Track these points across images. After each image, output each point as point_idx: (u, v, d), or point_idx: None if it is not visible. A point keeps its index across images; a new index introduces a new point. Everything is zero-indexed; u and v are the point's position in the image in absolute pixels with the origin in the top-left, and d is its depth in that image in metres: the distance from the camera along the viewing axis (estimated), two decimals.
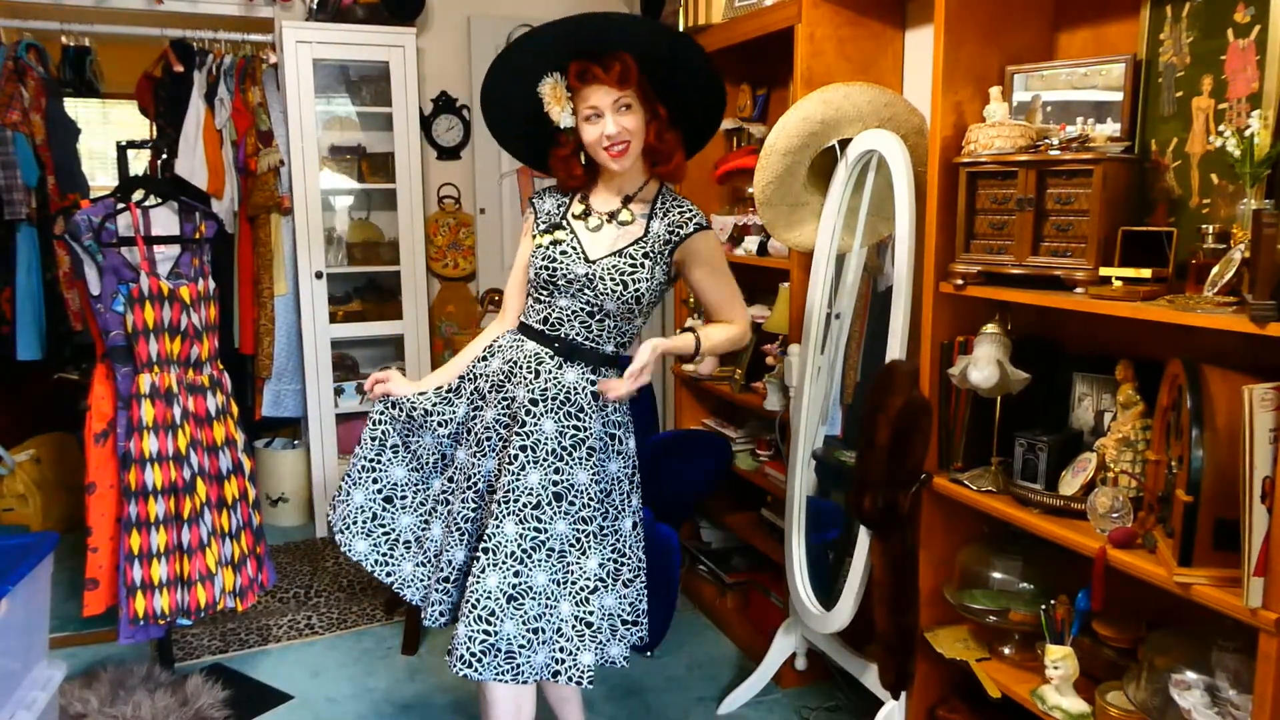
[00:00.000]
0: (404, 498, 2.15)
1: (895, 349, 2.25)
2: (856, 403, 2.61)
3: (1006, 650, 2.15)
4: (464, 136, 4.52)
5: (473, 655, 1.90)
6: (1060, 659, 1.91)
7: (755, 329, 3.19)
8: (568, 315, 2.05)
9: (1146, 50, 1.94)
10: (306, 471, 4.27)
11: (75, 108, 4.15)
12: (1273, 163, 1.64)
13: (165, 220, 2.78)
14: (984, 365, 2.00)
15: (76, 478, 3.45)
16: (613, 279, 2.00)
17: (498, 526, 1.95)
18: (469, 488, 2.06)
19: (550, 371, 2.03)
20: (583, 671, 2.00)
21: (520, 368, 2.05)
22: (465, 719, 2.73)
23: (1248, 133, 1.65)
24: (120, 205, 2.68)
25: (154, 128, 4.26)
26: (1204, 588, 1.59)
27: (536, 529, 1.96)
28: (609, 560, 2.09)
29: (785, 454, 2.79)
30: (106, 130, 6.27)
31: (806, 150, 2.47)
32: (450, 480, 2.14)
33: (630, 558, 2.11)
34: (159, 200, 2.79)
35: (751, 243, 3.13)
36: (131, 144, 2.91)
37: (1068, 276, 1.87)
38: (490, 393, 2.07)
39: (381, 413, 2.16)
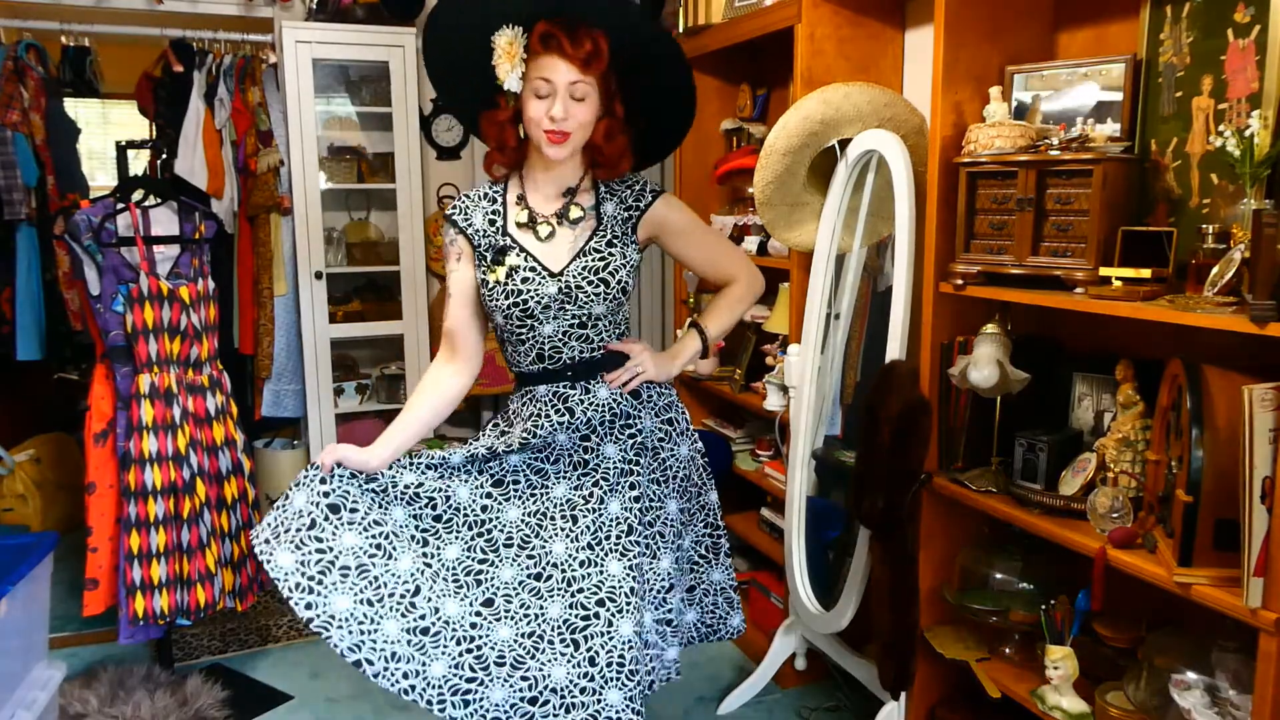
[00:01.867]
0: (355, 510, 1.77)
1: (895, 349, 2.25)
2: (856, 403, 2.61)
3: (1006, 650, 2.15)
4: (464, 136, 4.52)
5: (636, 714, 1.69)
6: (1060, 659, 1.91)
7: (755, 329, 3.20)
8: (560, 338, 1.84)
9: (1146, 50, 1.94)
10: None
11: (75, 108, 4.15)
12: (1273, 163, 1.64)
13: (165, 220, 2.78)
14: (984, 365, 2.00)
15: (76, 478, 3.46)
16: (590, 283, 1.81)
17: (602, 571, 1.75)
18: (480, 536, 1.81)
19: (581, 400, 1.84)
20: (669, 666, 1.95)
21: (545, 417, 1.83)
22: None
23: (1248, 133, 1.64)
24: (120, 205, 2.69)
25: (154, 128, 4.26)
26: (1204, 588, 1.59)
27: (640, 555, 1.81)
28: (704, 536, 2.03)
29: (785, 454, 2.79)
30: (106, 130, 6.27)
31: (806, 150, 2.47)
32: (434, 519, 1.82)
33: (724, 529, 2.07)
34: (159, 200, 2.79)
35: (751, 243, 3.12)
36: (131, 144, 2.91)
37: (1068, 276, 1.86)
38: (517, 447, 1.84)
39: (337, 472, 1.78)
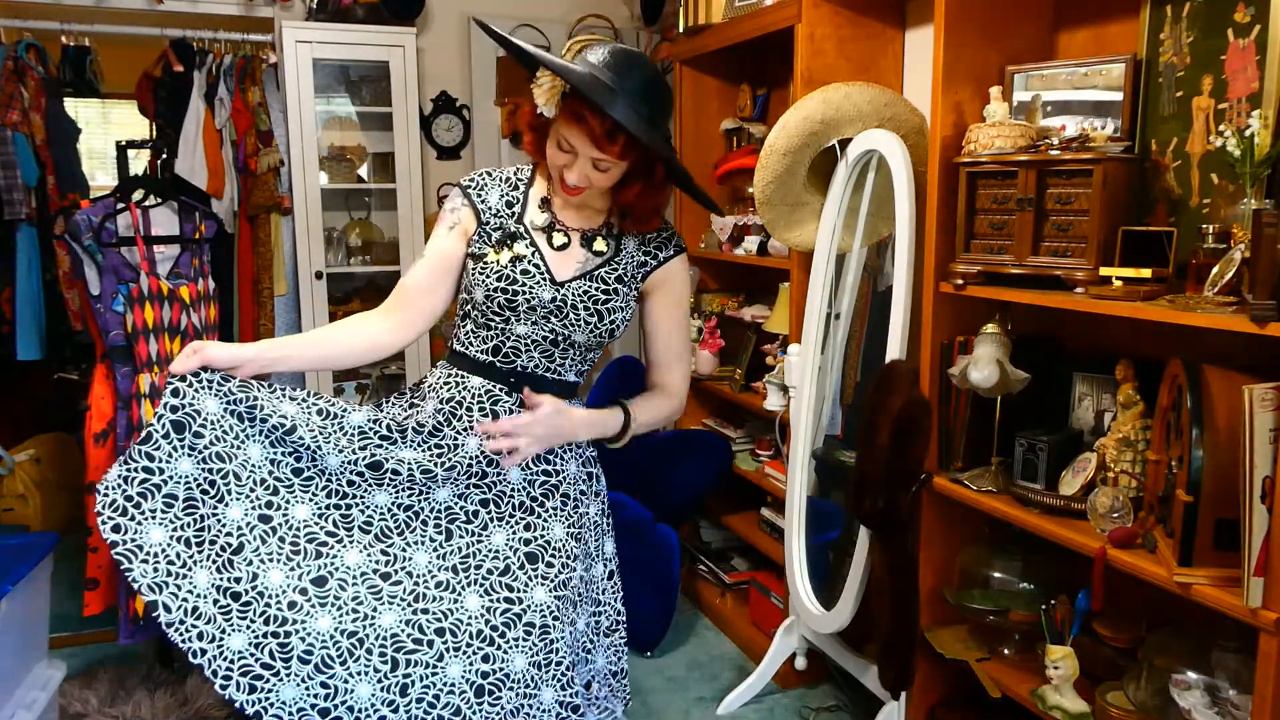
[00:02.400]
0: (200, 434, 1.54)
1: (895, 349, 2.25)
2: (856, 403, 2.61)
3: (1006, 650, 2.15)
4: (464, 136, 4.52)
5: None
6: (1060, 659, 1.91)
7: (755, 329, 3.20)
8: (525, 345, 1.69)
9: (1146, 50, 1.94)
10: None
11: (75, 108, 4.15)
12: (1273, 163, 1.64)
13: (165, 220, 2.78)
14: (984, 365, 2.00)
15: (76, 478, 3.45)
16: (586, 308, 1.68)
17: (456, 600, 1.58)
18: (337, 508, 1.62)
19: (509, 410, 1.69)
20: None
21: (464, 409, 1.68)
22: None
23: (1248, 133, 1.65)
24: (120, 205, 2.69)
25: (154, 128, 4.25)
26: (1204, 588, 1.59)
27: (509, 599, 1.60)
28: (591, 616, 1.77)
29: (785, 454, 2.79)
30: (106, 130, 6.27)
31: (807, 150, 2.47)
32: (294, 472, 1.61)
33: (608, 606, 1.82)
34: (159, 200, 2.79)
35: (751, 243, 3.13)
36: (131, 144, 2.91)
37: (1068, 276, 1.86)
38: (413, 434, 1.67)
39: (195, 384, 1.55)
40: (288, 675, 1.48)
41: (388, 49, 4.05)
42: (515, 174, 1.77)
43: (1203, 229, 1.72)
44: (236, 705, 1.47)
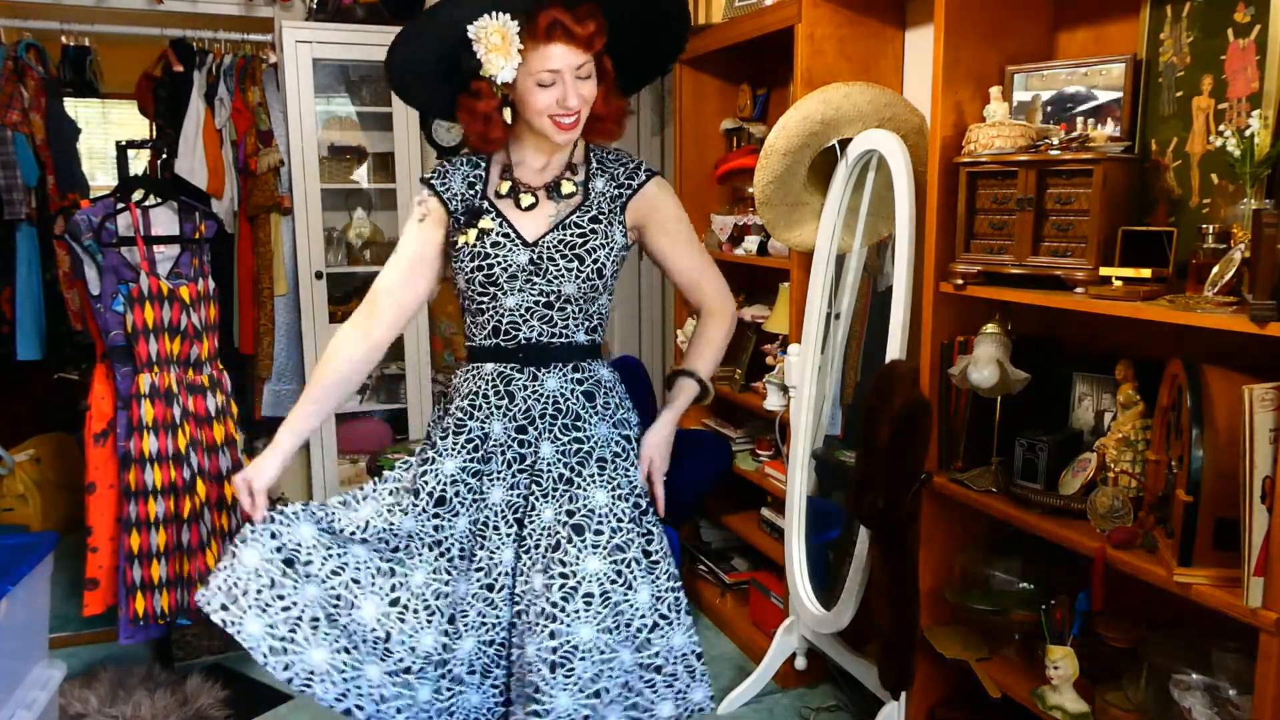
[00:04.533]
0: (310, 562, 1.66)
1: (895, 349, 2.25)
2: (856, 403, 2.61)
3: (1006, 650, 2.15)
4: (464, 136, 4.52)
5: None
6: (1060, 659, 1.91)
7: (755, 329, 3.20)
8: (521, 315, 1.69)
9: (1146, 50, 1.94)
10: (306, 472, 4.27)
11: (75, 107, 4.16)
12: (1273, 163, 1.64)
13: (165, 220, 2.78)
14: (984, 365, 2.00)
15: (76, 478, 3.45)
16: (564, 256, 1.67)
17: (526, 584, 1.67)
18: (442, 556, 1.71)
19: (525, 386, 1.70)
20: None
21: (481, 397, 1.71)
22: None
23: (1248, 133, 1.64)
24: (120, 205, 2.69)
25: (154, 127, 4.26)
26: (1204, 588, 1.59)
27: (563, 574, 1.63)
28: (666, 591, 1.71)
29: (785, 454, 2.79)
30: (106, 130, 6.27)
31: (806, 150, 2.46)
32: (392, 550, 1.71)
33: (681, 582, 1.78)
34: (159, 200, 2.79)
35: (751, 243, 3.13)
36: (131, 144, 2.91)
37: (1068, 276, 1.86)
38: (444, 440, 1.73)
39: (282, 521, 1.68)
40: (467, 688, 1.74)
41: (387, 49, 4.05)
42: (475, 155, 1.78)
43: (1203, 229, 1.72)
44: None
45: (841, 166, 2.47)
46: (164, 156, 3.96)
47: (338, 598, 1.65)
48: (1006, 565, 2.17)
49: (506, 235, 1.68)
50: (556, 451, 1.70)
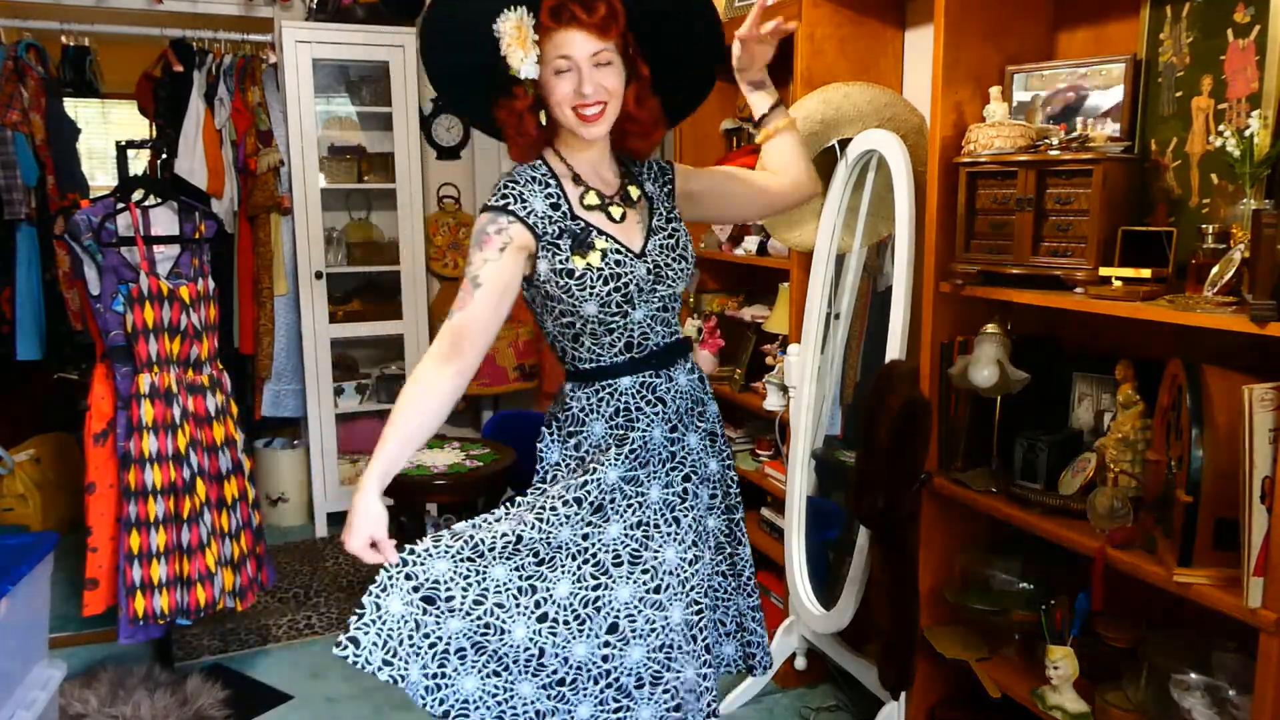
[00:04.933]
0: (451, 597, 1.60)
1: (895, 349, 2.25)
2: (856, 403, 2.61)
3: (1006, 650, 2.15)
4: (464, 136, 4.52)
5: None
6: (1060, 659, 1.91)
7: (755, 329, 3.20)
8: (647, 325, 1.69)
9: (1146, 50, 1.94)
10: (306, 471, 4.27)
11: (75, 108, 4.16)
12: (1272, 163, 1.64)
13: (165, 220, 2.78)
14: (984, 365, 2.00)
15: (76, 478, 3.45)
16: (673, 259, 1.70)
17: (702, 564, 1.76)
18: (587, 564, 1.67)
19: (668, 390, 1.72)
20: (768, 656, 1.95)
21: (636, 410, 1.70)
22: None
23: (1247, 133, 1.65)
24: (120, 205, 2.69)
25: (154, 128, 4.26)
26: (1204, 588, 1.59)
27: (725, 542, 1.84)
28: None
29: (785, 454, 2.79)
30: (106, 130, 6.28)
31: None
32: (537, 564, 1.65)
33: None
34: (159, 200, 2.79)
35: (751, 243, 3.13)
36: (131, 144, 2.91)
37: (1068, 276, 1.87)
38: (602, 453, 1.70)
39: (415, 560, 1.61)
40: (635, 703, 1.68)
41: (388, 49, 4.06)
42: (534, 171, 1.68)
43: (1202, 229, 1.72)
44: None
45: (841, 166, 2.48)
46: (164, 156, 3.96)
47: (486, 626, 1.61)
48: (1006, 565, 2.17)
49: (620, 253, 1.64)
50: (699, 439, 1.78)
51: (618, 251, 1.63)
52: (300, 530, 4.27)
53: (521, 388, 4.38)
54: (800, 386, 2.63)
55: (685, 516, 1.73)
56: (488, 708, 1.61)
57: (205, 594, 2.70)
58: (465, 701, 1.60)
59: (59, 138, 3.77)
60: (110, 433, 2.69)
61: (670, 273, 1.69)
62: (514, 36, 1.56)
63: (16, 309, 3.70)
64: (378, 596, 1.57)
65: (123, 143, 2.88)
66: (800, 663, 2.76)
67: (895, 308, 2.27)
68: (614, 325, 1.66)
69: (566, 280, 1.62)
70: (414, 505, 3.25)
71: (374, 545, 1.58)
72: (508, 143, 1.69)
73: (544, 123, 1.64)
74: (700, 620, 1.72)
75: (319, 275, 4.07)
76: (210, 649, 3.13)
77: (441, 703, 1.59)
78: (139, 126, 4.90)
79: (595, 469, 1.68)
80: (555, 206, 1.64)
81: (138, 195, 2.74)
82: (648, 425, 1.70)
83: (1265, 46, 1.70)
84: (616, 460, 1.68)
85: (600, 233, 1.64)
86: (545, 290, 1.66)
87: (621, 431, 1.69)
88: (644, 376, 1.70)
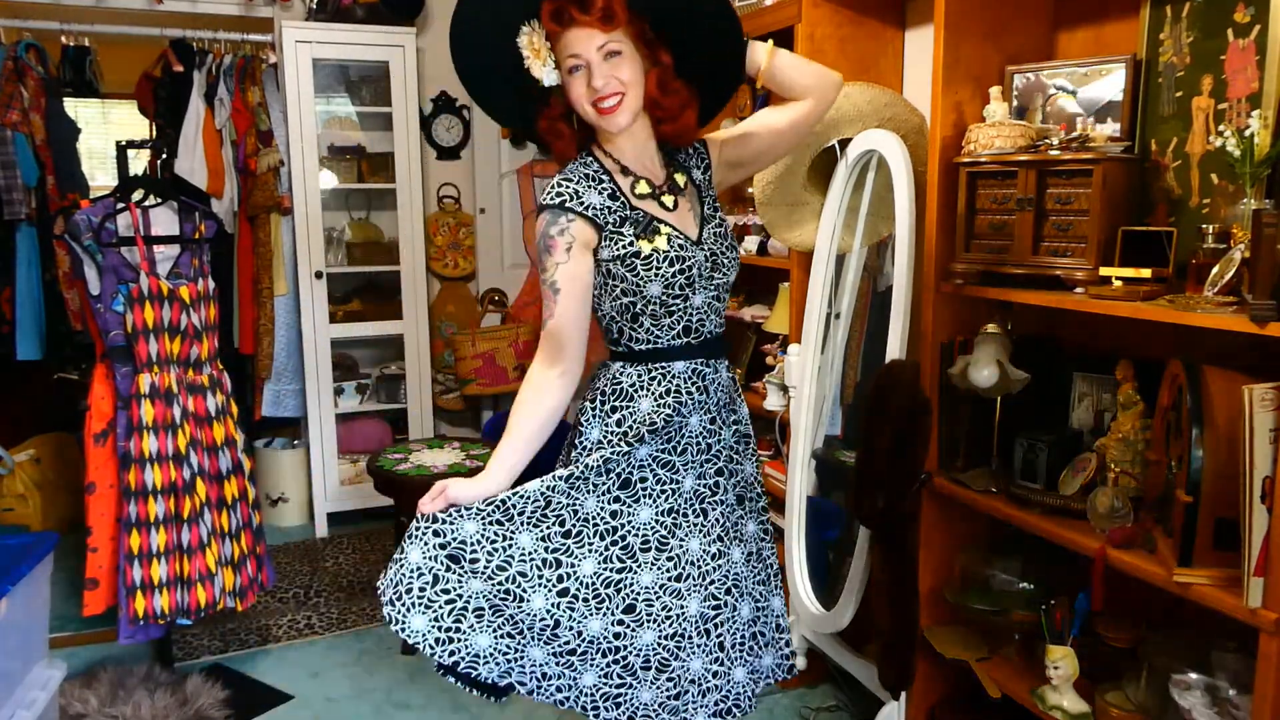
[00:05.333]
0: (475, 560, 1.65)
1: (895, 349, 2.25)
2: (856, 403, 2.61)
3: (1006, 650, 2.15)
4: (464, 136, 4.52)
5: (754, 684, 1.85)
6: (1060, 659, 1.91)
7: (755, 329, 3.20)
8: (704, 311, 1.72)
9: (1146, 50, 1.94)
10: (306, 471, 4.27)
11: (75, 108, 4.16)
12: (1273, 163, 1.64)
13: (165, 220, 2.78)
14: (984, 365, 2.00)
15: (76, 478, 3.45)
16: (728, 249, 1.75)
17: (728, 560, 1.77)
18: (615, 544, 1.70)
19: (713, 380, 1.75)
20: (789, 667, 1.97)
21: (685, 393, 1.71)
22: (467, 718, 2.73)
23: (1248, 133, 1.65)
24: (120, 205, 2.69)
25: (154, 128, 4.26)
26: (1204, 588, 1.59)
27: (754, 540, 1.85)
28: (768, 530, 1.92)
29: (785, 454, 2.79)
30: (106, 130, 6.28)
31: (806, 150, 2.47)
32: (564, 536, 1.68)
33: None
34: (159, 200, 2.79)
35: (751, 243, 3.13)
36: (131, 144, 2.91)
37: (1068, 276, 1.87)
38: (634, 430, 1.71)
39: (447, 519, 1.66)
40: (639, 684, 1.70)
41: (388, 49, 4.06)
42: (583, 169, 1.69)
43: (1203, 229, 1.72)
44: None
45: (841, 166, 2.47)
46: (164, 156, 3.96)
47: (506, 592, 1.65)
48: (1006, 565, 2.17)
49: (679, 240, 1.68)
50: (732, 435, 1.80)
51: (678, 240, 1.67)
52: (300, 530, 4.27)
53: (518, 387, 4.37)
54: (800, 386, 2.63)
55: (714, 510, 1.75)
56: (496, 663, 1.65)
57: (205, 594, 2.70)
58: (476, 656, 1.63)
59: (59, 138, 3.77)
60: (110, 433, 2.69)
61: (725, 260, 1.73)
62: (532, 50, 1.62)
63: (16, 309, 3.70)
64: (404, 544, 1.65)
65: (123, 143, 2.87)
66: (800, 663, 2.75)
67: (895, 308, 2.27)
68: (675, 308, 1.69)
69: (634, 261, 1.65)
70: (414, 505, 3.24)
71: (441, 497, 1.67)
72: (553, 149, 1.73)
73: (576, 126, 1.68)
74: (717, 616, 1.75)
75: (319, 275, 4.07)
76: (210, 649, 3.13)
77: (452, 654, 1.62)
78: (139, 126, 4.90)
79: (623, 445, 1.69)
80: (613, 197, 1.67)
81: (138, 195, 2.74)
82: (689, 411, 1.72)
83: (1265, 46, 1.70)
84: (651, 439, 1.69)
85: (661, 223, 1.68)
86: (608, 269, 1.67)
87: (667, 412, 1.69)
88: (696, 364, 1.73)
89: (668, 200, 1.70)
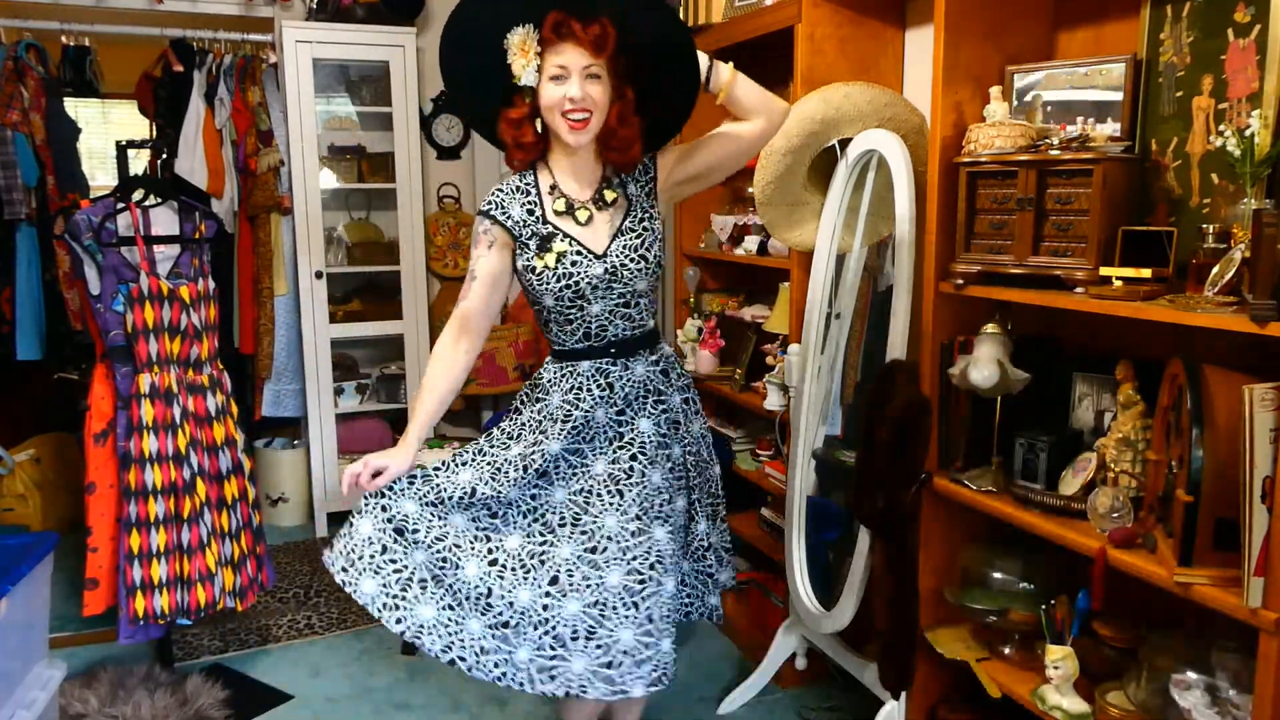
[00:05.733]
0: (416, 531, 1.86)
1: (895, 349, 2.25)
2: (856, 403, 2.61)
3: (1006, 650, 2.15)
4: (464, 136, 4.52)
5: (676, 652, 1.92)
6: (1060, 659, 1.91)
7: (755, 329, 3.20)
8: (605, 318, 1.93)
9: (1146, 50, 1.94)
10: (306, 471, 4.27)
11: (75, 107, 4.16)
12: (1273, 163, 1.64)
13: (165, 220, 2.78)
14: (984, 365, 2.00)
15: (76, 478, 3.46)
16: (632, 260, 1.90)
17: (650, 538, 1.89)
18: (536, 521, 1.92)
19: (620, 377, 1.95)
20: (711, 609, 2.12)
21: (585, 390, 1.94)
22: (466, 718, 2.73)
23: (1248, 132, 1.65)
24: (120, 205, 2.69)
25: (154, 127, 4.26)
26: (1204, 588, 1.59)
27: (679, 518, 1.98)
28: (708, 504, 2.12)
29: (785, 454, 2.79)
30: (106, 130, 6.28)
31: (807, 150, 2.46)
32: (490, 516, 1.92)
33: (722, 496, 2.18)
34: (159, 200, 2.79)
35: (751, 243, 3.13)
36: (131, 144, 2.91)
37: (1068, 276, 1.87)
38: (551, 424, 1.94)
39: (390, 495, 1.88)
40: (570, 654, 1.83)
41: (388, 49, 4.06)
42: (520, 180, 1.95)
43: (1203, 229, 1.72)
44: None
45: (841, 166, 2.47)
46: (164, 156, 3.96)
47: (444, 560, 1.85)
48: (1006, 565, 2.17)
49: (580, 253, 1.89)
50: (653, 425, 1.96)
51: (577, 253, 1.89)
52: (300, 530, 4.27)
53: (520, 387, 4.38)
54: (800, 386, 2.63)
55: (630, 491, 1.91)
56: (439, 636, 1.82)
57: (205, 594, 2.70)
58: (421, 626, 1.81)
59: (59, 138, 3.77)
60: (110, 433, 2.69)
61: (627, 273, 1.91)
62: (519, 47, 1.82)
63: (16, 309, 3.70)
64: (353, 518, 1.87)
65: (123, 143, 2.87)
66: (800, 663, 2.76)
67: (895, 308, 2.27)
68: (572, 316, 1.93)
69: (530, 276, 1.92)
70: None
71: (376, 476, 1.86)
72: (506, 152, 1.95)
73: (539, 130, 1.88)
74: (644, 590, 1.86)
75: (319, 275, 4.07)
76: (210, 649, 3.13)
77: (399, 621, 1.81)
78: (139, 126, 4.90)
79: (541, 441, 1.92)
80: (530, 213, 1.92)
81: (138, 195, 2.74)
82: (592, 406, 1.93)
83: (1265, 46, 1.69)
84: (559, 435, 1.92)
85: (565, 236, 1.90)
86: (521, 278, 1.95)
87: (569, 407, 1.93)
88: (602, 364, 1.96)
89: (581, 215, 1.92)
